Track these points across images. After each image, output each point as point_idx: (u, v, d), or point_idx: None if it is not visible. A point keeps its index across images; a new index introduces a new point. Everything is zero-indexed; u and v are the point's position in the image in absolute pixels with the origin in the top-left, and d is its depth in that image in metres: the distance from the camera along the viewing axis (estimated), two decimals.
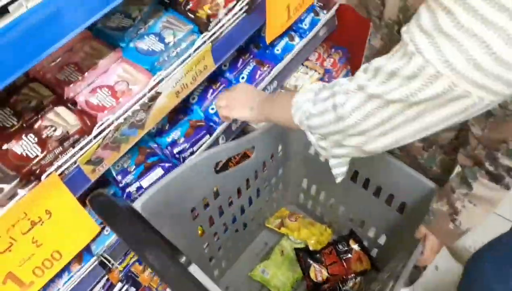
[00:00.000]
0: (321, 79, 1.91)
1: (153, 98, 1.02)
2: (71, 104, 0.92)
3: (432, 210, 1.02)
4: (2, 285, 0.85)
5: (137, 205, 0.95)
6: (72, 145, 0.87)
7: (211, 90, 1.40)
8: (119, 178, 1.18)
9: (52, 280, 1.08)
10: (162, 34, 1.00)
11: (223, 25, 1.12)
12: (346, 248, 1.51)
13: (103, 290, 1.34)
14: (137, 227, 0.72)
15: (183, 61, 1.05)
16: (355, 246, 1.51)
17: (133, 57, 0.98)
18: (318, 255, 1.51)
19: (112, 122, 0.94)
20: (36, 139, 0.83)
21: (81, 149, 0.91)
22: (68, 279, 1.09)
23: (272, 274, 1.52)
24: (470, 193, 0.94)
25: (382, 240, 1.46)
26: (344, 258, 1.49)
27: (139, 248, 0.67)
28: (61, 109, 0.87)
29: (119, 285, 1.36)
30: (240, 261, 1.60)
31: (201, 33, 1.07)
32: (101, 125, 0.90)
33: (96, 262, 1.15)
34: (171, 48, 1.00)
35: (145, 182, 1.19)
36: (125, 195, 1.17)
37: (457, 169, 0.98)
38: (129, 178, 1.19)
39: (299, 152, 1.46)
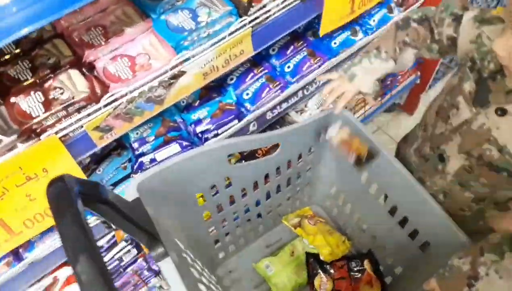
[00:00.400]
0: (382, 81, 1.74)
1: (175, 77, 0.97)
2: (88, 68, 0.89)
3: (450, 265, 0.89)
4: None
5: (134, 184, 0.93)
6: (78, 110, 0.85)
7: (251, 74, 1.32)
8: (135, 145, 1.17)
9: (50, 229, 1.12)
10: (196, 11, 0.93)
11: (268, 10, 1.03)
12: (359, 267, 1.42)
13: (107, 244, 1.38)
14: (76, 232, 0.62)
15: (215, 43, 0.98)
16: (368, 268, 1.41)
17: (161, 30, 0.92)
18: (328, 266, 1.43)
19: (125, 95, 0.90)
20: (42, 98, 0.82)
21: (88, 115, 0.89)
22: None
23: (276, 272, 1.47)
24: (501, 262, 0.81)
25: (398, 270, 1.34)
26: (354, 276, 1.40)
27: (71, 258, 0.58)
28: (74, 73, 0.85)
29: (123, 244, 1.39)
30: (249, 249, 1.56)
31: (240, 16, 0.98)
32: (110, 96, 0.87)
33: (98, 221, 1.17)
34: (202, 28, 0.93)
35: (159, 155, 1.17)
36: (137, 164, 1.16)
37: (497, 234, 0.87)
38: (146, 147, 1.17)
39: (332, 158, 1.36)
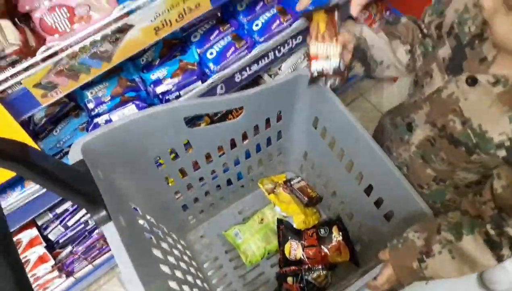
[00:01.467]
0: None
1: (121, 31, 0.91)
2: (23, 19, 0.83)
3: (404, 237, 0.87)
4: None
5: (78, 145, 0.88)
6: (12, 65, 0.80)
7: (216, 32, 1.26)
8: (90, 105, 1.12)
9: (3, 191, 1.09)
10: None
11: None
12: (327, 234, 1.40)
13: (72, 208, 1.35)
14: None
15: None
16: (337, 235, 1.39)
17: None
18: (298, 233, 1.41)
19: (65, 49, 0.85)
20: None
21: (26, 70, 0.84)
22: (20, 193, 1.09)
23: (245, 240, 1.45)
24: (456, 243, 0.79)
25: (366, 238, 1.32)
26: (323, 244, 1.39)
27: None
28: (5, 24, 0.79)
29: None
30: (221, 215, 1.54)
31: None
32: (46, 50, 0.81)
33: None
34: None
35: (115, 117, 1.13)
36: (92, 125, 1.12)
37: (458, 212, 0.84)
38: (101, 107, 1.13)
39: (301, 124, 1.31)
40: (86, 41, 0.87)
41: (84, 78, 0.95)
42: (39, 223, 1.33)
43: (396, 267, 0.85)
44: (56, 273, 1.31)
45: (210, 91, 1.28)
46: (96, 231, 1.37)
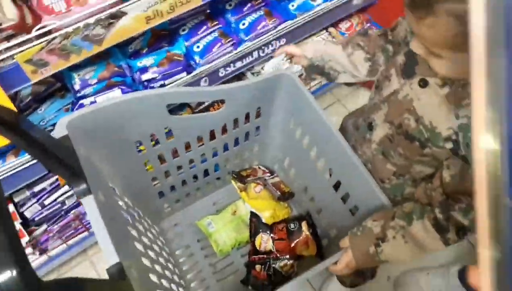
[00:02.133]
0: None
1: (114, 16, 0.96)
2: None
3: (363, 225, 0.95)
4: None
5: (64, 121, 0.92)
6: (7, 39, 0.84)
7: (204, 27, 1.31)
8: (76, 86, 1.15)
9: None
10: None
11: None
12: (296, 229, 1.47)
13: (50, 187, 1.38)
14: None
15: None
16: (305, 230, 1.46)
17: None
18: (269, 227, 1.48)
19: (59, 29, 0.89)
20: None
21: (19, 45, 0.87)
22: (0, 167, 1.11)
23: (217, 229, 1.50)
24: (408, 228, 0.87)
25: (333, 232, 1.40)
26: (292, 237, 1.45)
27: None
28: (5, 0, 0.83)
29: (66, 187, 1.39)
30: (195, 205, 1.59)
31: None
32: (41, 27, 0.85)
33: (35, 161, 1.16)
34: None
35: (100, 99, 1.17)
36: (77, 106, 1.16)
37: (412, 202, 0.93)
38: (87, 90, 1.16)
39: (279, 121, 1.38)
40: (80, 24, 0.91)
41: (75, 59, 0.99)
42: (16, 200, 1.35)
43: (355, 252, 0.93)
44: (30, 249, 1.33)
45: (194, 83, 1.33)
46: (73, 211, 1.40)
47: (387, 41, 1.04)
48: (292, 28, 1.43)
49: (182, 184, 1.43)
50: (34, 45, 0.89)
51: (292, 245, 1.43)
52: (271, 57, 1.59)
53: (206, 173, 1.48)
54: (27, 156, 1.14)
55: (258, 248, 1.45)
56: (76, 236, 1.42)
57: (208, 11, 1.35)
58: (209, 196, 1.60)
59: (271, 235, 1.45)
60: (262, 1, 1.39)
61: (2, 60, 0.88)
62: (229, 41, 1.30)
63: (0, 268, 0.44)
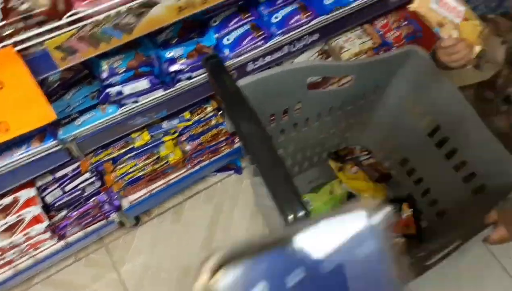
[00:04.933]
0: (375, 50, 1.69)
1: (147, 5, 0.93)
2: None
3: (509, 197, 1.01)
4: None
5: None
6: (38, 24, 0.81)
7: (236, 19, 1.27)
8: (104, 74, 1.13)
9: (8, 147, 1.10)
10: None
11: None
12: (396, 210, 1.49)
13: (72, 173, 1.37)
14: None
15: None
16: (407, 211, 1.48)
17: None
18: None
19: (90, 16, 0.86)
20: (2, 5, 0.78)
21: (50, 31, 0.85)
22: (25, 152, 1.10)
23: (315, 208, 1.53)
24: None
25: (433, 216, 1.44)
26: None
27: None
28: None
29: (87, 175, 1.38)
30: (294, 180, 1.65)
31: None
32: (72, 14, 0.82)
33: (59, 147, 1.15)
34: None
35: (127, 89, 1.14)
36: (103, 94, 1.13)
37: None
38: (115, 78, 1.14)
39: (396, 99, 1.40)
40: (112, 12, 0.88)
41: (104, 47, 0.96)
42: (38, 184, 1.35)
43: (506, 223, 0.98)
44: (48, 234, 1.32)
45: None
46: (92, 198, 1.39)
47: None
48: (326, 23, 1.37)
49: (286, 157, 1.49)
50: (64, 32, 0.86)
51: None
52: (302, 52, 1.54)
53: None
54: (51, 142, 1.12)
55: None
56: (95, 223, 1.41)
57: (240, 2, 1.30)
58: (304, 173, 1.65)
59: None
60: None
61: (33, 45, 0.85)
62: (260, 35, 1.26)
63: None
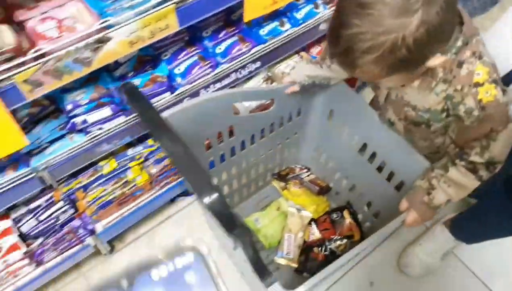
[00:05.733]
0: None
1: (101, 41, 1.10)
2: (18, 27, 1.02)
3: (414, 185, 1.20)
4: None
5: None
6: (6, 61, 0.97)
7: (184, 52, 1.46)
8: (69, 106, 1.28)
9: None
10: None
11: None
12: (339, 218, 1.63)
13: (46, 203, 1.48)
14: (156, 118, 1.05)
15: (139, 14, 1.12)
16: (348, 217, 1.61)
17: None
18: (313, 220, 1.66)
19: (52, 52, 1.03)
20: None
21: (17, 67, 1.01)
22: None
23: (263, 225, 1.66)
24: (446, 175, 1.13)
25: (370, 217, 1.60)
26: (336, 225, 1.61)
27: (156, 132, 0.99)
28: (4, 28, 0.97)
29: (60, 203, 1.49)
30: (242, 206, 1.78)
31: None
32: (37, 50, 0.99)
33: (32, 175, 1.28)
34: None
35: (91, 117, 1.30)
36: (69, 125, 1.29)
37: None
38: (79, 110, 1.29)
39: (317, 118, 1.59)
40: (71, 48, 1.05)
41: (67, 79, 1.12)
42: (13, 216, 1.45)
43: (415, 207, 1.17)
44: (26, 261, 1.41)
45: (178, 102, 1.47)
46: (67, 225, 1.49)
47: None
48: (265, 52, 1.58)
49: (232, 182, 1.64)
50: (30, 67, 1.03)
51: (337, 233, 1.58)
52: (249, 78, 1.74)
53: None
54: (24, 170, 1.25)
55: (306, 240, 1.60)
56: (71, 248, 1.51)
57: (186, 38, 1.50)
58: (252, 196, 1.81)
59: (317, 226, 1.62)
60: (236, 29, 1.55)
61: (3, 80, 1.01)
62: (207, 64, 1.45)
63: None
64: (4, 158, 1.15)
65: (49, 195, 1.51)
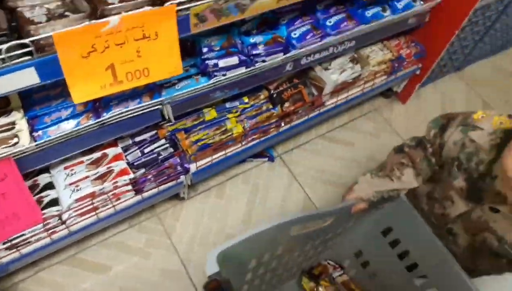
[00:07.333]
0: (392, 61, 2.07)
1: None
2: None
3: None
4: (104, 71, 1.10)
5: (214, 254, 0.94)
6: None
7: (299, 20, 1.60)
8: (205, 50, 1.41)
9: (125, 99, 1.33)
10: None
11: None
12: None
13: (150, 138, 1.60)
14: None
15: None
16: None
17: None
18: None
19: None
20: None
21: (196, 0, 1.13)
22: (137, 104, 1.33)
23: None
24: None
25: None
26: None
27: None
28: None
29: (162, 141, 1.61)
30: None
31: None
32: None
33: (159, 106, 1.39)
34: None
35: (221, 62, 1.42)
36: (203, 65, 1.41)
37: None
38: (211, 54, 1.42)
39: (369, 228, 1.44)
40: None
41: (223, 20, 1.25)
42: (120, 146, 1.56)
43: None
44: (130, 187, 1.52)
45: (281, 67, 1.60)
46: (167, 161, 1.61)
47: (427, 153, 1.17)
48: (364, 32, 1.73)
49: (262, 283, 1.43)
50: (206, 2, 1.15)
51: None
52: (337, 56, 1.89)
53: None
54: (157, 99, 1.36)
55: None
56: (167, 182, 1.62)
57: (301, 8, 1.64)
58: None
59: None
60: (344, 7, 1.69)
61: (183, 10, 1.13)
62: (319, 33, 1.59)
63: None
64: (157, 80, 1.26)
65: (153, 132, 1.62)
